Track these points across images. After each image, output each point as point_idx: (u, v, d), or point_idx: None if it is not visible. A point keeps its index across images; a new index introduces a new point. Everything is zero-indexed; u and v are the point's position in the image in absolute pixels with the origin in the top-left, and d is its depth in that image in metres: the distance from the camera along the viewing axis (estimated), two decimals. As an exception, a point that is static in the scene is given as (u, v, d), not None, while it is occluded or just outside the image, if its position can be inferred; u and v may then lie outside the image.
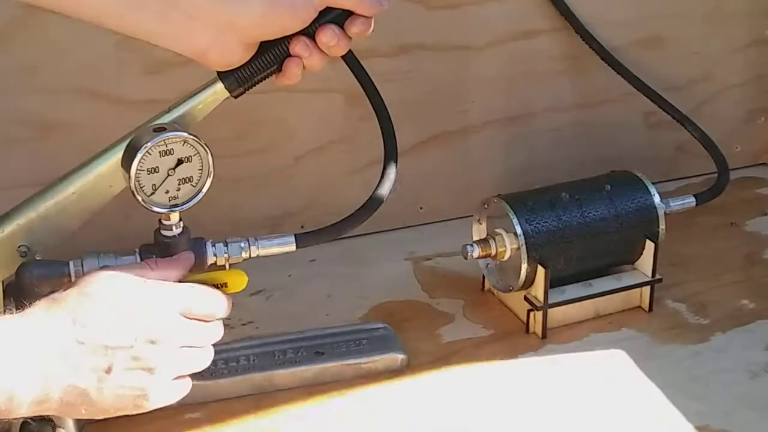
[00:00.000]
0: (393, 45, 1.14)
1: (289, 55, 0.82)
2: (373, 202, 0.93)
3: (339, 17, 0.80)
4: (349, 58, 0.99)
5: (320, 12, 0.80)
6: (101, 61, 1.04)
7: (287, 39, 0.81)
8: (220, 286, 0.81)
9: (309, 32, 0.80)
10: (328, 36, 0.80)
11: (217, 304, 0.78)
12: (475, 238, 1.04)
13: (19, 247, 0.83)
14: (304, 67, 0.82)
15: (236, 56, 0.81)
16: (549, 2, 1.19)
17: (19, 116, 1.03)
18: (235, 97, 0.83)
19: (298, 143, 1.16)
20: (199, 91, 0.83)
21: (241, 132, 1.12)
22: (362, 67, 0.97)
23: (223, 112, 0.85)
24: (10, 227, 0.83)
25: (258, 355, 0.94)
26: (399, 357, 0.96)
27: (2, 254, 0.83)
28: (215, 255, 0.86)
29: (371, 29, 0.81)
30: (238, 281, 0.83)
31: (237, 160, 1.13)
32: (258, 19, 0.79)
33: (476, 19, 1.17)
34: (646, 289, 1.05)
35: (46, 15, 1.00)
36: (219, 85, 0.82)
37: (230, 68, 0.82)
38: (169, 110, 0.83)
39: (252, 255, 0.87)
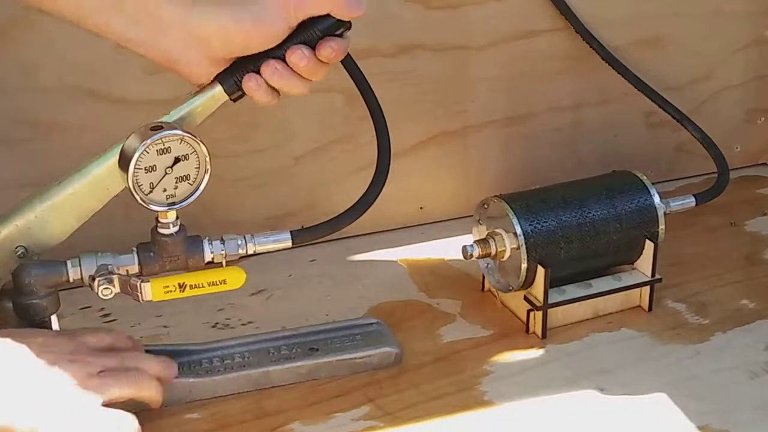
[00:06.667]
0: (393, 45, 1.14)
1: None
2: (367, 199, 0.94)
3: (312, 37, 0.81)
4: (345, 58, 0.99)
5: (296, 28, 0.81)
6: (101, 61, 1.04)
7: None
8: (218, 283, 0.81)
9: (279, 54, 0.81)
10: (297, 57, 0.81)
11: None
12: (475, 238, 1.04)
13: (16, 248, 0.84)
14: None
15: (203, 70, 0.81)
16: (549, 2, 1.19)
17: (19, 116, 1.03)
18: (234, 101, 0.84)
19: (298, 143, 1.16)
20: (198, 94, 0.83)
21: (241, 132, 1.12)
22: (357, 66, 0.97)
23: (223, 112, 0.86)
24: (8, 228, 0.83)
25: (252, 352, 0.94)
26: (393, 351, 0.96)
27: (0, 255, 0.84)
28: (212, 252, 0.86)
29: (343, 54, 0.82)
30: (237, 278, 0.83)
31: (237, 160, 1.13)
32: (222, 33, 0.79)
33: (476, 19, 1.17)
34: (646, 289, 1.05)
35: (46, 15, 1.00)
36: (218, 88, 0.83)
37: (200, 82, 0.83)
38: (168, 113, 0.83)
39: (249, 252, 0.87)
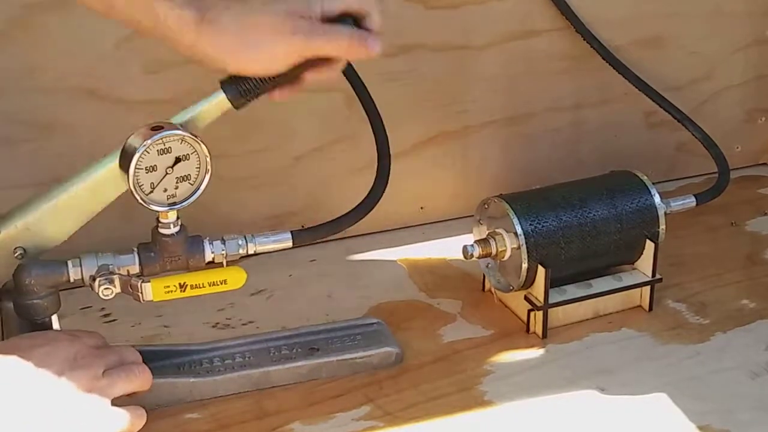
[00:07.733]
0: (393, 45, 1.14)
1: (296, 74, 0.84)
2: (369, 201, 0.94)
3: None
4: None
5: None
6: (101, 61, 1.04)
7: None
8: (219, 283, 0.81)
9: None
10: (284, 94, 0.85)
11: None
12: (476, 237, 1.04)
13: (15, 249, 0.84)
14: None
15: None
16: (549, 2, 1.19)
17: (19, 116, 1.03)
18: (237, 108, 0.84)
19: (298, 143, 1.16)
20: (202, 101, 0.83)
21: (241, 132, 1.12)
22: (353, 68, 0.97)
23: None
24: (8, 229, 0.83)
25: (253, 351, 0.94)
26: (393, 351, 0.96)
27: None
28: (213, 252, 0.86)
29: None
30: (237, 278, 0.83)
31: (237, 160, 1.12)
32: (228, 60, 0.81)
33: (476, 19, 1.17)
34: (646, 289, 1.05)
35: (46, 15, 1.00)
36: (222, 96, 0.83)
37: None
38: (170, 119, 0.83)
39: (249, 252, 0.87)
